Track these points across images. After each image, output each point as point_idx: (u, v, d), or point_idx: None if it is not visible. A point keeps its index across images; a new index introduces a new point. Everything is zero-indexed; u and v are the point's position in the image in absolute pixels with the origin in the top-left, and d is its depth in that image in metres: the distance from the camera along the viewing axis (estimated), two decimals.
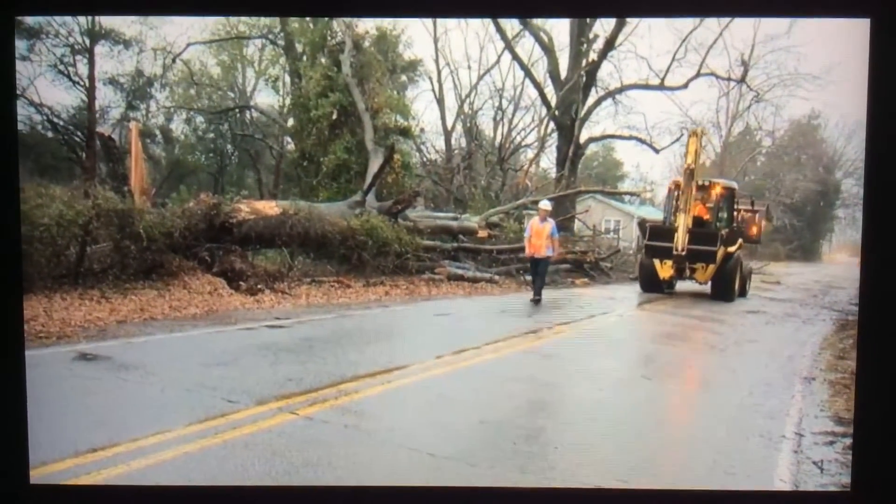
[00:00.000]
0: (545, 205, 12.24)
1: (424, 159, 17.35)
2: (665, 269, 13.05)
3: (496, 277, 13.54)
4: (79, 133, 12.93)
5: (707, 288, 13.36)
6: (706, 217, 13.83)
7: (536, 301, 11.73)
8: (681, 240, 12.57)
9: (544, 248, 11.77)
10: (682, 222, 12.65)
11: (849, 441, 5.58)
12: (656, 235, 13.15)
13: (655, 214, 15.65)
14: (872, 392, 4.30)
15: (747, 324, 11.36)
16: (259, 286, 10.76)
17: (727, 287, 13.18)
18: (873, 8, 4.21)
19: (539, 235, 11.74)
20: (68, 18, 11.82)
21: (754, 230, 14.69)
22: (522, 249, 14.57)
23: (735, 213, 14.15)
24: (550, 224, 11.87)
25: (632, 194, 18.46)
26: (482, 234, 14.32)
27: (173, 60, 14.10)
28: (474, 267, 13.67)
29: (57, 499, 4.31)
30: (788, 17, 4.53)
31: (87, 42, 12.76)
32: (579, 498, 4.40)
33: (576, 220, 16.78)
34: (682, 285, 13.49)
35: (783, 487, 4.68)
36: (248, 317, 9.45)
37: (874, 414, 4.30)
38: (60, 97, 12.36)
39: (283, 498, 4.34)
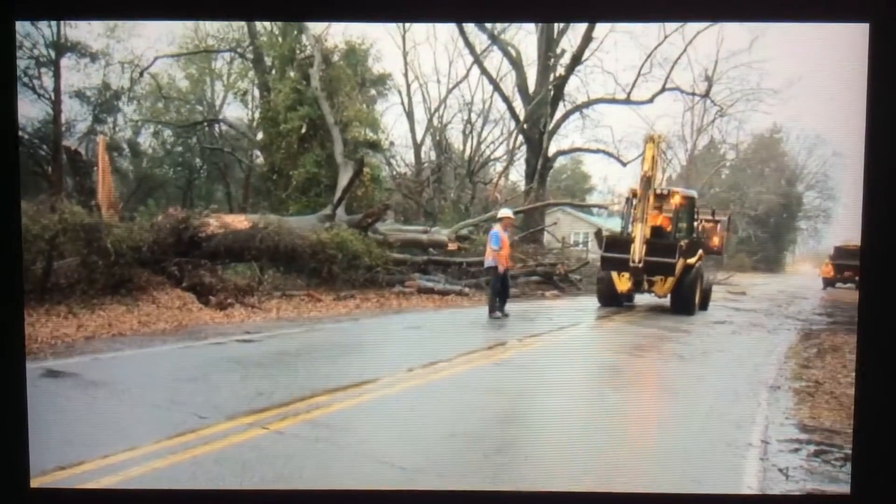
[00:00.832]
0: (507, 212, 12.04)
1: (394, 172, 17.39)
2: (623, 282, 12.65)
3: (466, 290, 13.56)
4: (44, 146, 12.78)
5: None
6: (667, 228, 13.48)
7: (507, 315, 11.60)
8: (637, 251, 12.17)
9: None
10: (639, 232, 12.25)
11: (813, 448, 5.70)
12: (612, 246, 12.71)
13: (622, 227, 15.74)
14: (872, 396, 4.37)
15: (714, 334, 11.49)
16: (229, 300, 10.68)
17: (687, 301, 12.81)
18: (872, 12, 4.29)
19: (508, 247, 11.65)
20: (32, 30, 11.69)
21: (716, 241, 14.35)
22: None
23: (696, 224, 13.85)
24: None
25: (600, 207, 18.63)
26: (452, 246, 14.33)
27: (141, 74, 13.99)
28: (444, 279, 13.71)
29: None
30: (786, 21, 4.59)
31: (53, 54, 12.64)
32: (551, 500, 4.43)
33: (545, 233, 16.92)
34: (647, 298, 13.47)
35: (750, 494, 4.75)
36: (218, 331, 9.38)
37: (874, 418, 4.37)
38: (25, 110, 12.20)
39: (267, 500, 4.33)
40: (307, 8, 4.83)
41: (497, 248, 11.61)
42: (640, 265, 12.21)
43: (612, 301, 12.99)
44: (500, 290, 11.61)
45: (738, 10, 4.62)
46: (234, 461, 4.90)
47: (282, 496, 4.28)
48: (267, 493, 4.27)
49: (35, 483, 4.45)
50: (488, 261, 11.72)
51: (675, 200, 13.60)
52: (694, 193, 14.26)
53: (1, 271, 4.35)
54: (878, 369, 4.39)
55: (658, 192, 13.19)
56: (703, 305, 13.53)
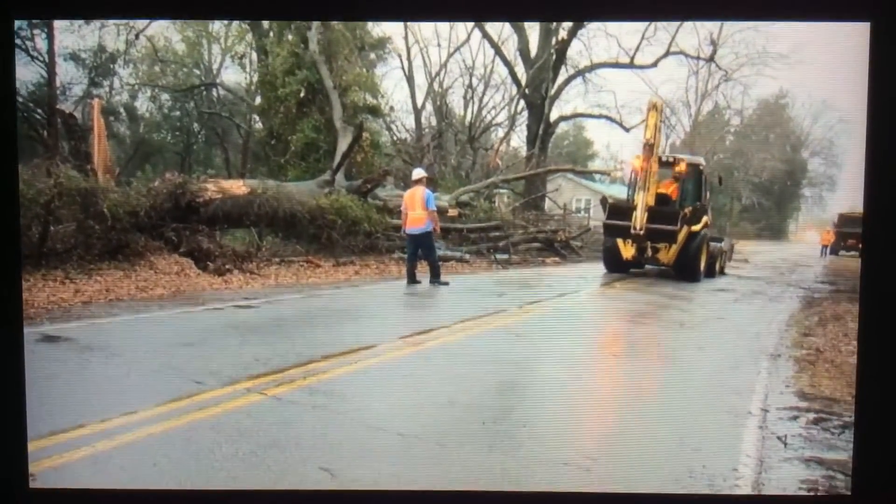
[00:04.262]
0: (424, 172, 11.52)
1: (394, 138, 17.28)
2: (628, 249, 12.69)
3: (466, 256, 13.53)
4: (39, 110, 12.64)
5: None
6: (674, 196, 13.41)
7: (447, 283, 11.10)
8: (639, 219, 12.15)
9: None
10: (641, 200, 12.22)
11: (812, 416, 5.68)
12: (615, 213, 12.70)
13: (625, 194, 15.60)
14: (875, 394, 4.33)
15: (716, 301, 11.46)
16: (227, 266, 10.65)
17: (691, 268, 12.80)
18: (873, 11, 4.21)
19: None
20: None
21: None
22: (494, 228, 14.63)
23: (705, 192, 13.77)
24: None
25: (602, 173, 18.53)
26: (452, 213, 14.26)
27: (136, 36, 13.82)
28: (444, 246, 13.65)
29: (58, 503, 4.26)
30: (786, 20, 4.52)
31: None
32: (551, 500, 4.40)
33: (546, 199, 16.85)
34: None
35: (749, 462, 4.73)
36: (216, 297, 9.35)
37: (876, 416, 4.33)
38: (19, 73, 11.99)
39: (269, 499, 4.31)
40: (309, 7, 4.74)
41: (434, 210, 11.05)
42: (642, 233, 12.19)
43: (618, 268, 13.02)
44: (432, 256, 11.07)
45: (738, 9, 4.53)
46: (230, 427, 4.88)
47: (286, 496, 4.26)
48: (270, 494, 4.25)
49: (30, 447, 4.43)
50: (420, 227, 10.94)
51: (681, 168, 13.50)
52: (701, 160, 14.18)
53: None
54: (880, 367, 4.34)
55: (663, 159, 13.15)
56: (710, 273, 13.53)
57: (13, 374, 4.32)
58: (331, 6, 4.62)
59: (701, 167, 13.91)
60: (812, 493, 4.47)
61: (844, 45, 4.51)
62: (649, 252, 12.72)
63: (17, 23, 11.80)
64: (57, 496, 4.26)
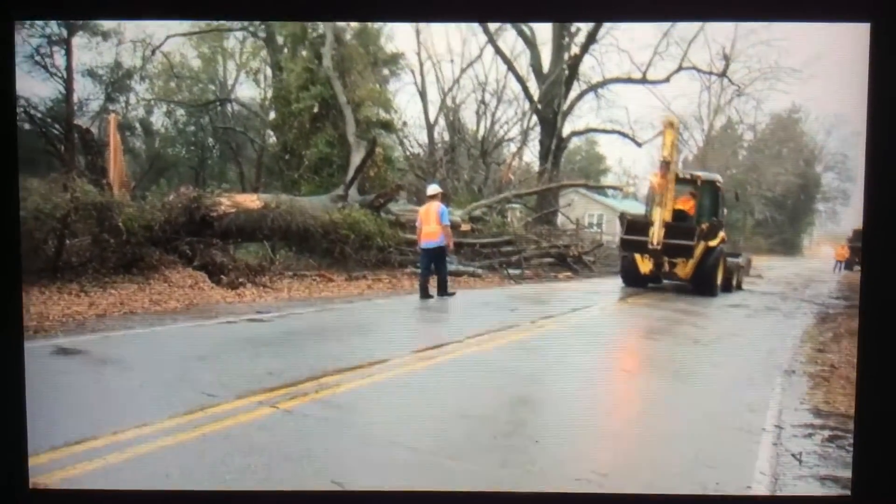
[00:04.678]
0: (439, 188, 11.60)
1: (407, 153, 17.32)
2: (646, 264, 12.91)
3: (479, 271, 13.52)
4: (57, 125, 12.78)
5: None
6: (691, 212, 13.57)
7: (453, 294, 11.28)
8: (656, 234, 12.41)
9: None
10: (658, 216, 12.48)
11: (827, 433, 5.62)
12: (633, 229, 12.97)
13: (638, 209, 15.62)
14: (874, 396, 4.30)
15: (729, 317, 11.42)
16: (240, 280, 10.69)
17: (708, 283, 13.00)
18: (873, 12, 4.20)
19: None
20: None
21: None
22: (506, 243, 14.63)
23: (722, 208, 13.91)
24: None
25: (614, 188, 18.52)
26: (465, 227, 14.27)
27: (153, 52, 13.99)
28: (457, 260, 13.65)
29: None
30: (787, 21, 4.52)
31: (65, 33, 12.62)
32: (553, 500, 4.37)
33: (559, 214, 16.84)
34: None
35: (763, 480, 4.69)
36: (230, 311, 9.38)
37: (875, 418, 4.30)
38: (37, 89, 12.20)
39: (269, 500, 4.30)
40: (317, 7, 4.76)
41: (448, 224, 11.19)
42: (659, 248, 12.44)
43: (636, 282, 13.22)
44: (443, 270, 11.20)
45: (739, 10, 4.53)
46: (242, 440, 4.88)
47: (285, 496, 4.25)
48: (270, 494, 4.25)
49: (42, 458, 4.44)
50: (434, 241, 11.02)
51: (698, 185, 13.68)
52: (717, 177, 14.32)
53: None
54: (880, 370, 4.31)
55: (680, 176, 13.34)
56: (727, 287, 13.66)
57: (13, 376, 4.34)
58: (334, 7, 4.64)
59: (717, 183, 14.05)
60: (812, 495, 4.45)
61: (855, 57, 4.50)
62: (667, 267, 12.90)
63: (36, 40, 11.93)
64: (56, 496, 4.26)
